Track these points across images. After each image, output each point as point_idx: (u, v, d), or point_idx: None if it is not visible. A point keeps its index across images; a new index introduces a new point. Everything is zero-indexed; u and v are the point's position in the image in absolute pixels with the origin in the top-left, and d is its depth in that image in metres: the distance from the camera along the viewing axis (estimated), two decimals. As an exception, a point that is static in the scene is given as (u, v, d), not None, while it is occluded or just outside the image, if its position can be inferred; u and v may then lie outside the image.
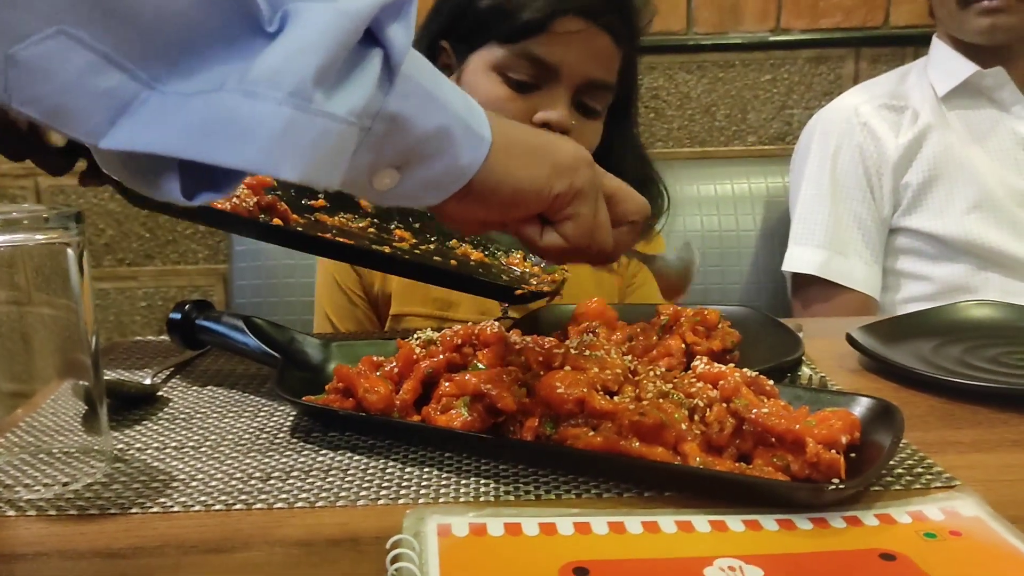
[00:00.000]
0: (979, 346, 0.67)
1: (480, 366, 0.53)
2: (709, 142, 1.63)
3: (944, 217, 1.19)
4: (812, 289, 1.24)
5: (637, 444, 0.46)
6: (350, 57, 0.36)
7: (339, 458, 0.51)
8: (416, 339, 0.57)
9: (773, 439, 0.45)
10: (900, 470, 0.47)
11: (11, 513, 0.45)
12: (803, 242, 1.25)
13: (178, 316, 0.67)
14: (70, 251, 0.50)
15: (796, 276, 1.27)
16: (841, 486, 0.42)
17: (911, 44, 1.56)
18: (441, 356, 0.55)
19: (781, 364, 0.62)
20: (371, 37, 0.37)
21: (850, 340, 0.67)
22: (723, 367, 0.50)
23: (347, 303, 0.99)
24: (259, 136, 0.32)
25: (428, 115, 0.41)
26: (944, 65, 1.27)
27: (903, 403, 0.56)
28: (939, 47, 1.29)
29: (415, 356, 0.55)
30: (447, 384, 0.52)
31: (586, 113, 0.91)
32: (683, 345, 0.63)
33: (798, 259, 1.24)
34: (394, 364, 0.55)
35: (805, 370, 0.65)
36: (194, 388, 0.65)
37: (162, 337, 0.76)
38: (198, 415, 0.59)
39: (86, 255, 0.51)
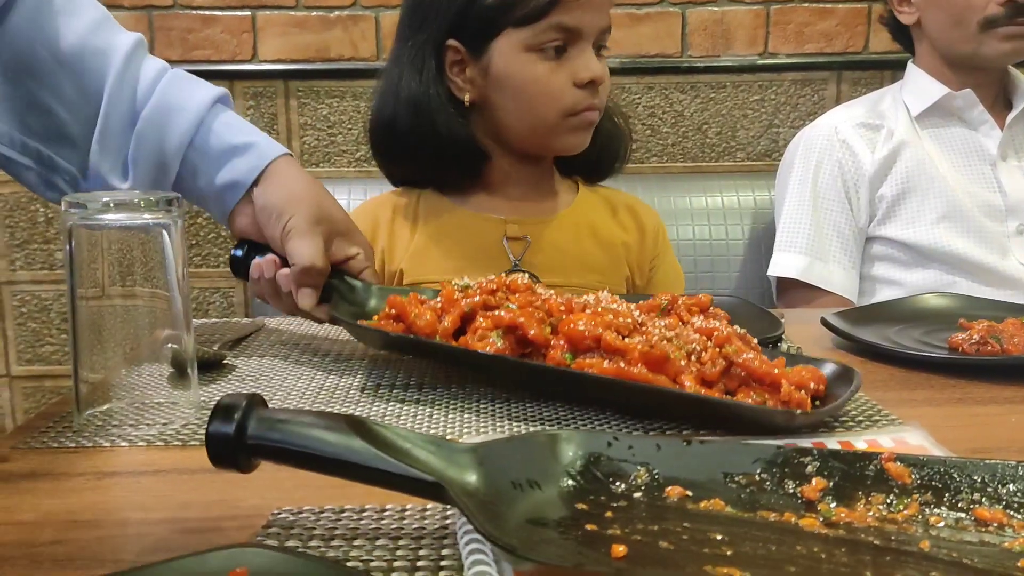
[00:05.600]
0: (935, 329, 0.76)
1: (512, 306, 0.60)
2: (701, 158, 1.74)
3: (915, 227, 1.29)
4: (794, 293, 1.34)
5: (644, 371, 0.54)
6: None
7: (396, 408, 0.60)
8: (455, 284, 0.65)
9: (755, 381, 0.54)
10: (860, 417, 0.57)
11: (124, 444, 0.55)
12: (787, 249, 1.34)
13: (239, 253, 0.78)
14: (167, 233, 0.59)
15: (780, 280, 1.36)
16: (810, 412, 0.51)
17: (888, 68, 1.69)
18: (478, 297, 0.62)
19: (764, 340, 0.72)
20: None
21: (824, 322, 0.76)
22: (717, 323, 0.60)
23: None
24: None
25: None
26: (918, 88, 1.37)
27: (866, 371, 0.66)
28: (914, 71, 1.40)
29: (455, 296, 0.63)
30: (483, 320, 0.59)
31: (601, 57, 1.00)
32: (680, 324, 0.72)
33: (782, 264, 1.34)
34: (438, 300, 0.63)
35: (784, 346, 0.74)
36: (255, 357, 0.74)
37: (212, 320, 0.85)
38: (263, 376, 0.68)
39: (182, 233, 0.60)
